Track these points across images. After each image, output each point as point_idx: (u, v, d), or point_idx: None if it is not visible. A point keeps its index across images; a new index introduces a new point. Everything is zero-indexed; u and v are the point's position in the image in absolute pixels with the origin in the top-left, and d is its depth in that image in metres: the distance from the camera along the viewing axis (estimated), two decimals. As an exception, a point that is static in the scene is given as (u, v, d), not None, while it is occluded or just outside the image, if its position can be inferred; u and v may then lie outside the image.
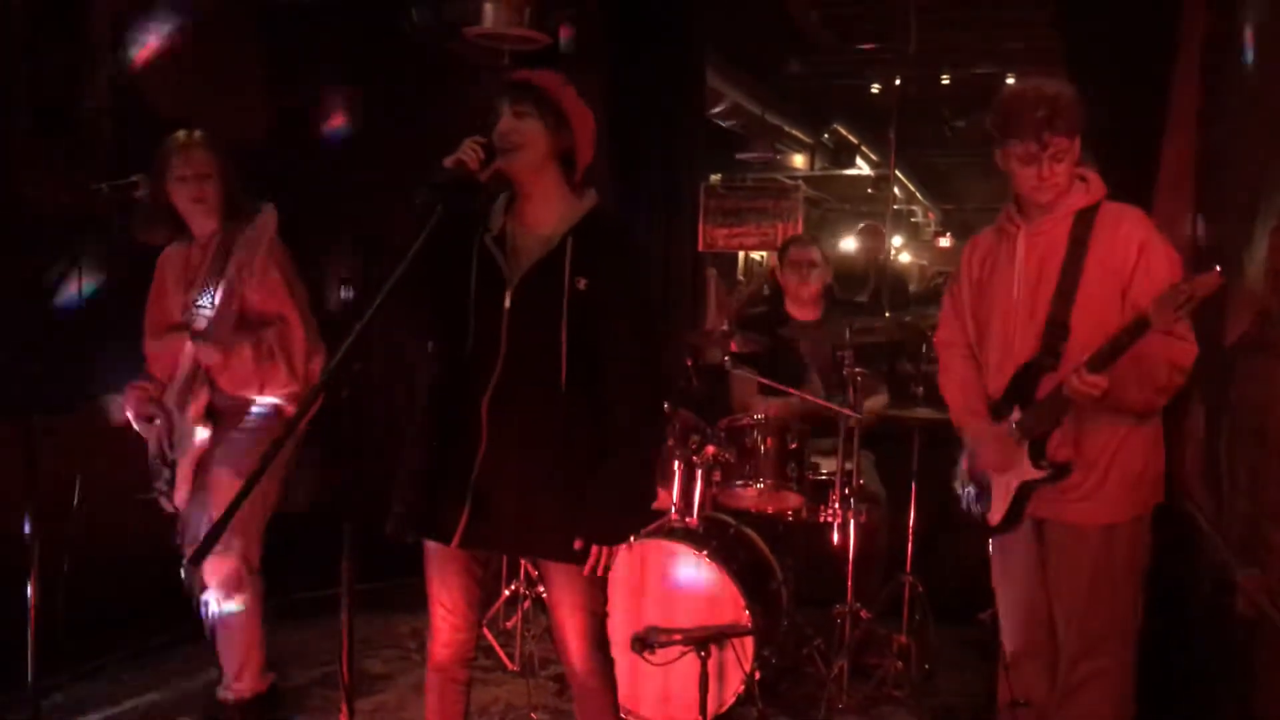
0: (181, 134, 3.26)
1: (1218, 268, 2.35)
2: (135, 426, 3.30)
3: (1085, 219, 2.71)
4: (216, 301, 3.18)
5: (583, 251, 2.45)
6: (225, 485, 3.17)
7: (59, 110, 3.89)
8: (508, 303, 2.44)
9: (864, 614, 3.81)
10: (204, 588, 3.28)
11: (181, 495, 3.22)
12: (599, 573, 2.48)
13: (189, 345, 3.21)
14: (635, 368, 2.49)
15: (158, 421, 3.28)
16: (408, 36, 4.85)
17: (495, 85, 2.52)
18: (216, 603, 3.28)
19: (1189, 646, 3.39)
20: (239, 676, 3.35)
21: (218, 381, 3.22)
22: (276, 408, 3.28)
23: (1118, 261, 2.65)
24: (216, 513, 3.15)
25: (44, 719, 3.13)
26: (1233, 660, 3.00)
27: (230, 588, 3.25)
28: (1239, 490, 3.11)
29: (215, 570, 3.23)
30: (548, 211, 2.51)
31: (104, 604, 3.77)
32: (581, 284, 2.43)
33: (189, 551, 3.26)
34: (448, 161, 2.33)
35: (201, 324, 3.20)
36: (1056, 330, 2.69)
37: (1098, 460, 2.70)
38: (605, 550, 2.45)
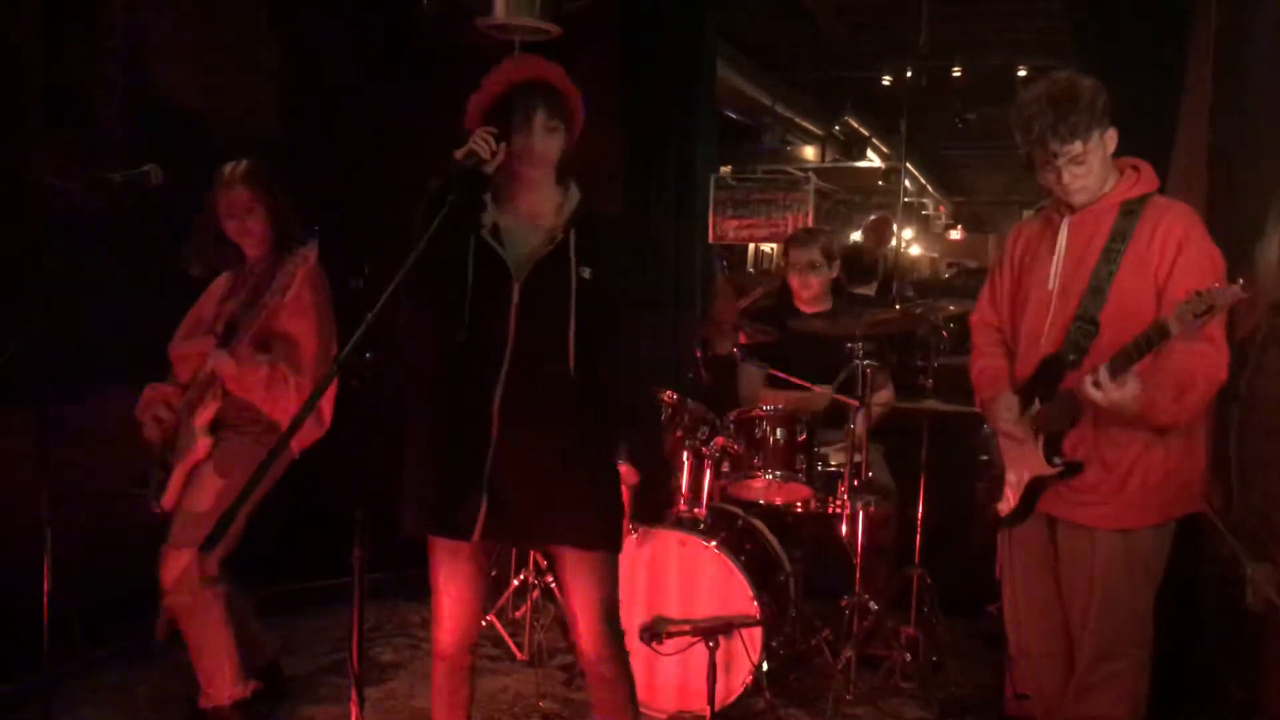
0: (227, 169, 3.26)
1: (1240, 281, 2.28)
2: (142, 423, 3.30)
3: (1131, 211, 2.60)
4: (246, 317, 3.16)
5: (585, 242, 2.51)
6: (207, 483, 3.18)
7: (72, 99, 3.90)
8: (516, 296, 2.46)
9: (872, 605, 3.81)
10: (163, 590, 3.22)
11: (169, 498, 3.21)
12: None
13: (214, 350, 3.19)
14: (630, 350, 2.62)
15: (165, 423, 3.28)
16: (419, 26, 4.85)
17: (516, 70, 2.47)
18: (170, 603, 3.22)
19: (1198, 640, 3.39)
20: (209, 684, 3.28)
21: (231, 390, 3.20)
22: (276, 425, 3.24)
23: (1155, 259, 2.54)
24: (189, 504, 3.18)
25: (56, 707, 3.15)
26: (1242, 654, 3.00)
27: (182, 588, 3.19)
28: (1250, 484, 3.10)
29: (171, 564, 3.19)
30: (542, 204, 2.55)
31: (116, 592, 3.78)
32: (586, 274, 2.49)
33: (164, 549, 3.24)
34: (459, 153, 2.34)
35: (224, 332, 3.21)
36: (1084, 326, 2.60)
37: (1117, 464, 2.60)
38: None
